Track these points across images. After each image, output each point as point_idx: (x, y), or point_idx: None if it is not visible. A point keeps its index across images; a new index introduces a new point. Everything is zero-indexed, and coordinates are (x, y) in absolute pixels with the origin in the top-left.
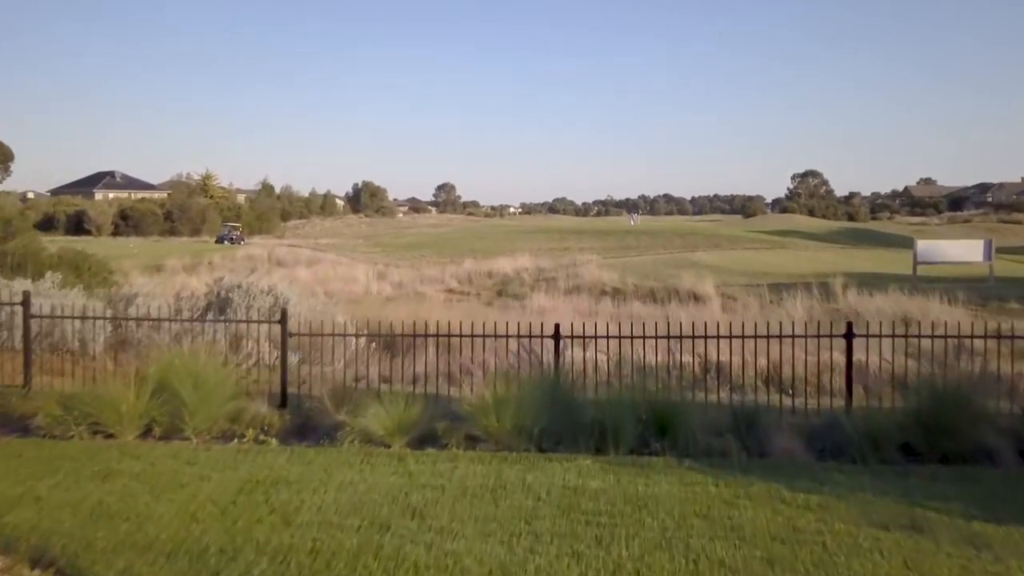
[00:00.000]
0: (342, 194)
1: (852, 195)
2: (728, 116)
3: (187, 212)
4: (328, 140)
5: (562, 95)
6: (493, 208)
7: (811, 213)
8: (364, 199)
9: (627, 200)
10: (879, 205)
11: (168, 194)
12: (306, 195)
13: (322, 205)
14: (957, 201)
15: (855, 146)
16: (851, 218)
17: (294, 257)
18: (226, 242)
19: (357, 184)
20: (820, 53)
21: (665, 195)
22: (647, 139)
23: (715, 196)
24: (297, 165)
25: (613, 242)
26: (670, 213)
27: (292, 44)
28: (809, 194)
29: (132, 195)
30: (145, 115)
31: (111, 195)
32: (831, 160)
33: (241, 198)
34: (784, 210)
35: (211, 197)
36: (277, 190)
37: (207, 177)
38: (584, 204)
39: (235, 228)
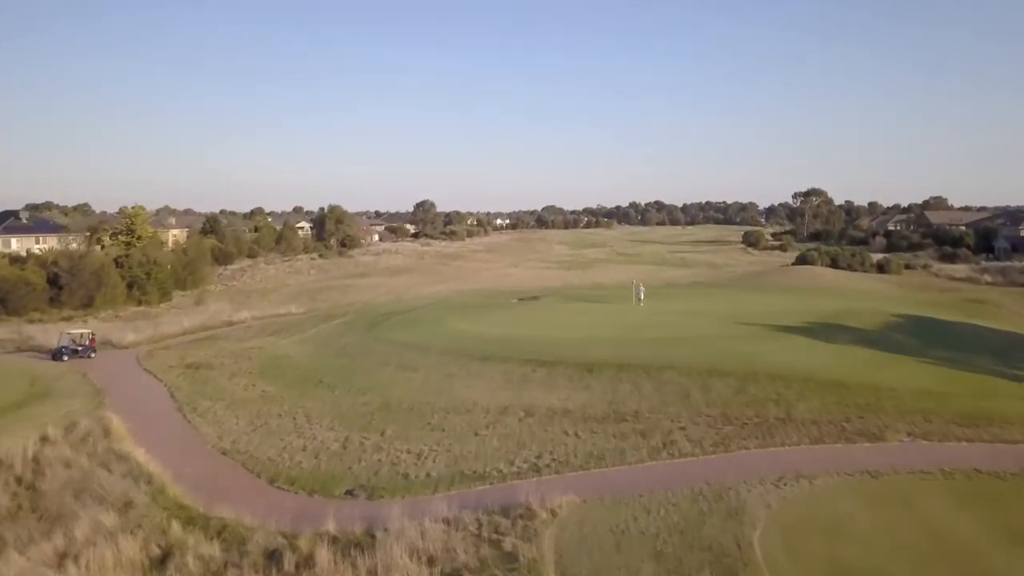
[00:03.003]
0: (320, 207)
1: (853, 208)
2: (725, 118)
3: (78, 275)
4: (313, 147)
5: (560, 97)
6: (479, 222)
7: (833, 262)
8: (329, 226)
9: (617, 208)
10: (899, 236)
11: (63, 248)
12: (272, 211)
13: (279, 237)
14: (985, 234)
15: (853, 150)
16: (881, 268)
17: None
18: (65, 357)
19: (323, 208)
20: (819, 54)
21: (656, 202)
22: (641, 142)
23: (707, 204)
24: (279, 177)
25: (598, 393)
26: (661, 223)
27: (289, 44)
28: (813, 214)
29: (40, 240)
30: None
31: (14, 241)
32: (828, 162)
33: (180, 233)
34: (804, 260)
35: (139, 239)
36: (247, 210)
37: (134, 214)
38: (574, 214)
39: (84, 335)
